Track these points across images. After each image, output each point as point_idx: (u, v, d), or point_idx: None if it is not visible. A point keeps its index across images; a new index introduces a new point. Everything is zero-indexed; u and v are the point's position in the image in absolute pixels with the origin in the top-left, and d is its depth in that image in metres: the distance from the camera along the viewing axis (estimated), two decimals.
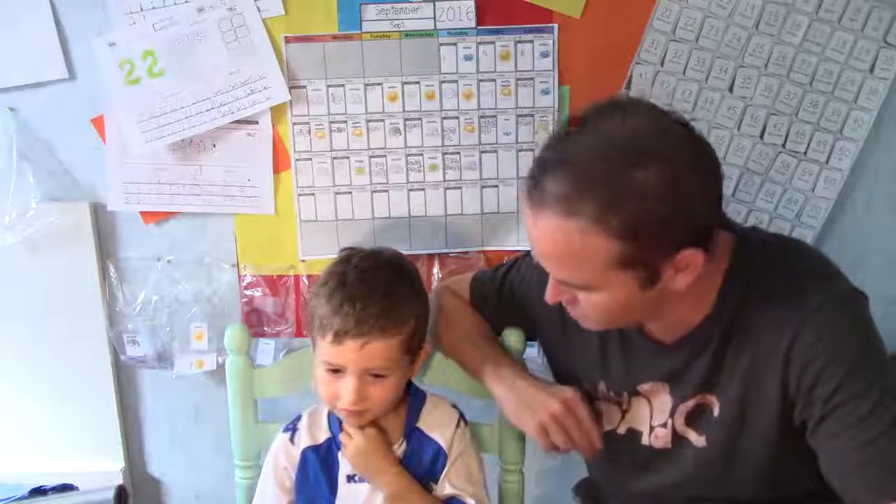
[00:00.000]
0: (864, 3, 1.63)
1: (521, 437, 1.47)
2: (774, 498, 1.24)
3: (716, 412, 1.21)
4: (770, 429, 1.17)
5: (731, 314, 1.16)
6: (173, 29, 1.62)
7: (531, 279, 1.37)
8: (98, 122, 1.67)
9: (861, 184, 1.72)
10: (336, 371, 1.25)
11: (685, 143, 1.07)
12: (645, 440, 1.29)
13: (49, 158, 1.68)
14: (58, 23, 1.62)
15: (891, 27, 1.64)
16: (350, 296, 1.23)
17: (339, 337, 1.22)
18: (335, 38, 1.64)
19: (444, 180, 1.70)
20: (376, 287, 1.25)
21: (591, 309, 1.15)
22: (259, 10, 1.62)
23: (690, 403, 1.23)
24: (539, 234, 1.09)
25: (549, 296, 1.17)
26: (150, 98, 1.63)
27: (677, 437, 1.25)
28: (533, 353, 1.66)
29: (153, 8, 1.61)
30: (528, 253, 1.44)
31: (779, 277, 1.16)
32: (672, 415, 1.25)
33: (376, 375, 1.25)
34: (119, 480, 1.78)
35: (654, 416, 1.27)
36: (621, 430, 1.31)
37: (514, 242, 1.73)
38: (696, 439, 1.24)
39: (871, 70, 1.66)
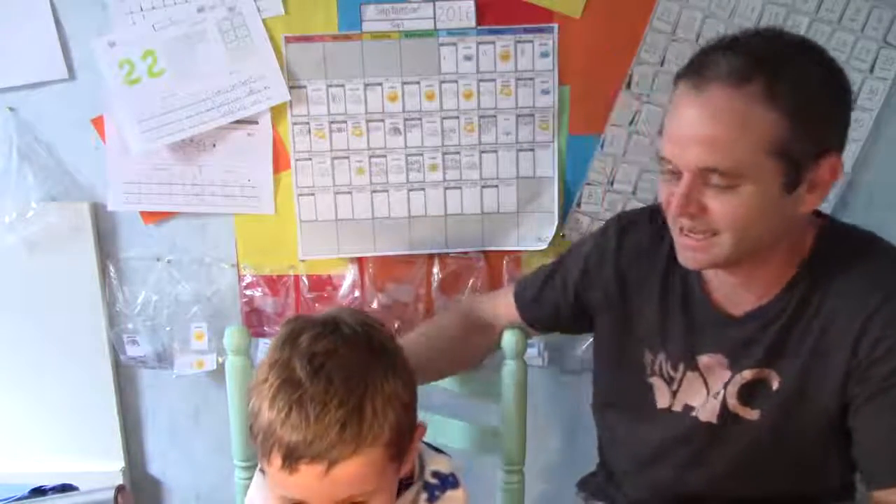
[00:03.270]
0: (864, 3, 1.63)
1: (522, 438, 1.47)
2: (801, 492, 1.25)
3: (774, 386, 1.21)
4: (829, 404, 1.17)
5: (805, 293, 1.17)
6: (173, 29, 1.62)
7: (584, 265, 1.38)
8: (98, 122, 1.67)
9: (861, 184, 1.72)
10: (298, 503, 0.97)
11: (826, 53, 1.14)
12: (694, 413, 1.27)
13: (49, 158, 1.68)
14: (58, 23, 1.62)
15: (891, 27, 1.64)
16: (299, 399, 0.93)
17: (290, 461, 0.93)
18: (335, 38, 1.64)
19: (444, 180, 1.70)
20: (336, 382, 0.94)
21: (721, 215, 1.10)
22: (259, 10, 1.61)
23: (748, 375, 1.22)
24: (698, 113, 1.08)
25: (677, 204, 1.11)
26: (150, 98, 1.63)
27: (727, 411, 1.24)
28: (533, 353, 1.67)
29: (153, 8, 1.61)
30: (570, 250, 1.45)
31: (862, 261, 1.17)
32: (726, 386, 1.24)
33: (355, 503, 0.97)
34: (119, 480, 1.77)
35: (710, 391, 1.26)
36: (677, 408, 1.29)
37: (514, 242, 1.72)
38: (748, 413, 1.23)
39: (871, 70, 1.66)
